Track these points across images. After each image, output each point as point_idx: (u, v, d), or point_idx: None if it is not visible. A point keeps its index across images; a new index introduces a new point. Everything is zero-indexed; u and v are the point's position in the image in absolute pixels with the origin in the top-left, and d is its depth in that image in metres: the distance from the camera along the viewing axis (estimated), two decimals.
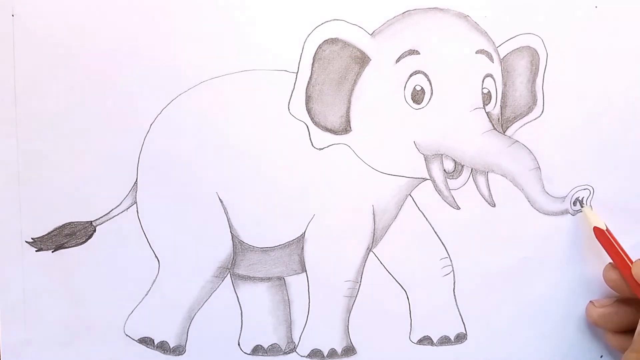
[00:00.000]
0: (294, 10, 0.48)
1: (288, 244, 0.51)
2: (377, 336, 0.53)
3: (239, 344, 0.52)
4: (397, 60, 0.49)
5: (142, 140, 0.49)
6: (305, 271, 0.52)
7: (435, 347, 0.53)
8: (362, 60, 0.49)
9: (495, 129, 0.50)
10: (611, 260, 0.51)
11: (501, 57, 0.50)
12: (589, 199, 0.52)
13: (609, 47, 0.51)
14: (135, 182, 0.50)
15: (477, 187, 0.51)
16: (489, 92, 0.50)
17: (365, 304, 0.52)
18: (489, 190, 0.51)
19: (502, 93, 0.51)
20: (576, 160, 0.52)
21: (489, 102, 0.50)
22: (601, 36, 0.51)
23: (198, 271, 0.51)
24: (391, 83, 0.49)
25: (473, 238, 0.52)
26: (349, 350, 0.53)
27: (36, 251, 0.50)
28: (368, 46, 0.49)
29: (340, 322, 0.52)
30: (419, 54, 0.49)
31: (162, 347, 0.52)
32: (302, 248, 0.51)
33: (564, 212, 0.52)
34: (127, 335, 0.51)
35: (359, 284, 0.52)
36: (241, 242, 0.51)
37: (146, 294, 0.51)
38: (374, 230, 0.51)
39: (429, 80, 0.49)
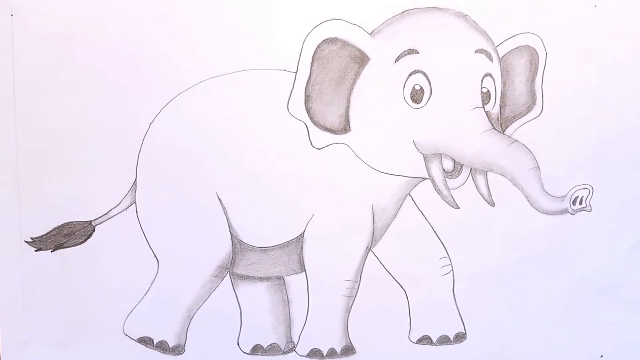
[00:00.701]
0: (293, 10, 0.48)
1: (287, 244, 0.51)
2: (376, 336, 0.53)
3: (238, 344, 0.52)
4: (396, 60, 0.49)
5: (141, 140, 0.49)
6: (305, 271, 0.52)
7: (434, 346, 0.53)
8: (362, 59, 0.49)
9: (494, 128, 0.50)
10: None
11: (500, 57, 0.50)
12: (589, 198, 0.52)
13: (609, 46, 0.51)
14: (135, 182, 0.50)
15: (476, 186, 0.51)
16: (488, 91, 0.50)
17: (364, 303, 0.52)
18: (489, 189, 0.51)
19: (502, 92, 0.51)
20: (576, 160, 0.52)
21: (488, 102, 0.50)
22: (601, 35, 0.51)
23: (197, 271, 0.51)
24: (390, 82, 0.49)
25: (472, 237, 0.52)
26: (349, 349, 0.53)
27: (35, 251, 0.50)
28: (367, 46, 0.49)
29: (340, 321, 0.52)
30: (418, 53, 0.49)
31: (161, 346, 0.52)
32: (302, 248, 0.51)
33: (564, 212, 0.52)
34: (126, 334, 0.51)
35: (358, 284, 0.52)
36: (240, 242, 0.51)
37: (145, 294, 0.51)
38: (373, 229, 0.51)
39: (428, 79, 0.49)
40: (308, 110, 0.49)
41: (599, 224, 0.53)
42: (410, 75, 0.49)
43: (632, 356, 0.55)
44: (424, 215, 0.51)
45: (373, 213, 0.51)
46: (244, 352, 0.52)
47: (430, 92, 0.49)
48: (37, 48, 0.48)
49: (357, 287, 0.52)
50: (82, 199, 0.49)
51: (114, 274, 0.50)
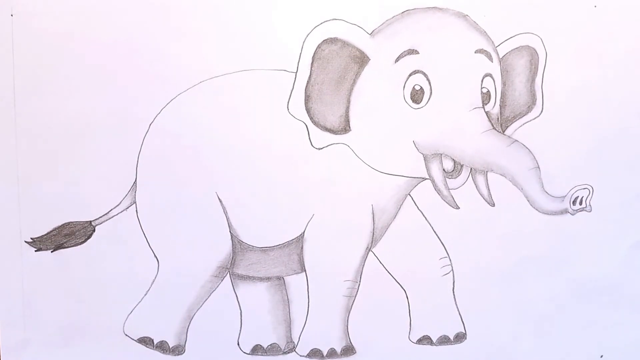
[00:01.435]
0: (293, 10, 0.48)
1: (287, 244, 0.51)
2: (376, 336, 0.53)
3: (238, 344, 0.52)
4: (397, 60, 0.49)
5: (141, 140, 0.49)
6: (305, 271, 0.52)
7: (434, 346, 0.53)
8: (362, 59, 0.49)
9: (494, 128, 0.50)
10: None
11: (500, 57, 0.50)
12: (589, 198, 0.52)
13: (609, 46, 0.51)
14: (135, 182, 0.50)
15: (476, 186, 0.51)
16: (488, 91, 0.50)
17: (364, 303, 0.52)
18: (489, 189, 0.51)
19: (502, 92, 0.51)
20: (576, 160, 0.52)
21: (488, 102, 0.50)
22: (601, 35, 0.51)
23: (197, 271, 0.51)
24: (390, 83, 0.49)
25: (472, 237, 0.52)
26: (349, 349, 0.53)
27: (35, 251, 0.50)
28: (367, 46, 0.49)
29: (340, 321, 0.52)
30: (418, 53, 0.49)
31: (162, 346, 0.52)
32: (302, 248, 0.51)
33: (564, 212, 0.52)
34: (126, 335, 0.51)
35: (358, 284, 0.52)
36: (240, 242, 0.51)
37: (145, 294, 0.51)
38: (374, 229, 0.51)
39: (428, 79, 0.49)
40: (308, 111, 0.49)
41: (599, 224, 0.53)
42: (410, 75, 0.49)
43: (632, 356, 0.55)
44: (424, 215, 0.51)
45: (373, 213, 0.51)
46: (244, 352, 0.52)
47: (430, 92, 0.49)
48: (37, 48, 0.48)
49: (357, 287, 0.52)
50: (82, 199, 0.50)
51: (114, 274, 0.50)
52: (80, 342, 0.51)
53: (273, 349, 0.52)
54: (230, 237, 0.51)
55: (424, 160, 0.50)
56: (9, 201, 0.49)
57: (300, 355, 0.53)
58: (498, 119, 0.51)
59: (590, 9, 0.51)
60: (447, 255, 0.52)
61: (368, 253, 0.52)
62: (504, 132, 0.51)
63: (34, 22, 0.48)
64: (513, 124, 0.51)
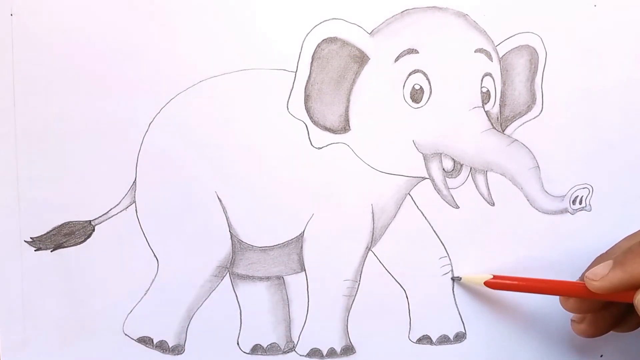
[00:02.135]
0: (292, 9, 0.48)
1: (287, 243, 0.51)
2: (376, 335, 0.53)
3: (238, 343, 0.52)
4: (396, 60, 0.49)
5: (141, 140, 0.49)
6: (305, 270, 0.52)
7: (434, 346, 0.53)
8: (361, 59, 0.49)
9: (494, 127, 0.50)
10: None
11: (500, 56, 0.50)
12: (588, 198, 0.52)
13: (608, 45, 0.51)
14: (134, 182, 0.50)
15: (476, 186, 0.51)
16: (487, 91, 0.50)
17: (364, 303, 0.52)
18: (488, 189, 0.51)
19: (501, 92, 0.51)
20: (575, 159, 0.52)
21: (488, 101, 0.50)
22: (600, 35, 0.51)
23: (197, 270, 0.51)
24: (390, 82, 0.49)
25: (472, 237, 0.52)
26: (348, 349, 0.52)
27: (35, 250, 0.50)
28: (367, 45, 0.49)
29: (340, 321, 0.52)
30: (417, 53, 0.49)
31: (161, 346, 0.52)
32: (301, 247, 0.51)
33: (563, 211, 0.52)
34: (126, 334, 0.51)
35: (358, 283, 0.52)
36: (240, 242, 0.51)
37: (145, 293, 0.51)
38: (373, 229, 0.51)
39: (427, 79, 0.49)
40: (308, 110, 0.49)
41: (599, 224, 0.53)
42: (410, 74, 0.49)
43: (632, 356, 0.55)
44: (423, 215, 0.51)
45: (373, 213, 0.51)
46: (244, 352, 0.52)
47: (430, 92, 0.49)
48: (36, 48, 0.48)
49: (356, 286, 0.52)
50: (81, 198, 0.49)
51: (114, 274, 0.50)
52: (79, 341, 0.51)
53: (273, 348, 0.52)
54: (230, 236, 0.51)
55: (424, 159, 0.50)
56: (9, 200, 0.49)
57: (300, 355, 0.52)
58: (498, 118, 0.51)
59: (590, 8, 0.51)
60: (446, 255, 0.52)
61: (368, 253, 0.52)
62: (503, 131, 0.51)
63: (34, 22, 0.48)
64: (513, 124, 0.51)
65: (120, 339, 0.51)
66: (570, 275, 0.53)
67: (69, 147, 0.49)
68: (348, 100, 0.49)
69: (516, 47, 0.50)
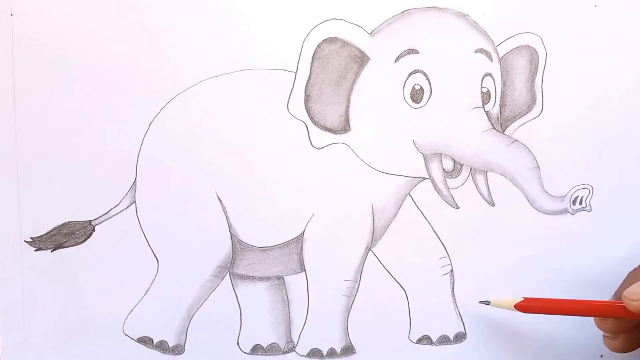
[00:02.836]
0: (292, 10, 0.48)
1: (287, 244, 0.51)
2: (376, 335, 0.53)
3: (238, 344, 0.52)
4: (396, 60, 0.49)
5: (141, 140, 0.49)
6: (305, 270, 0.52)
7: (434, 346, 0.53)
8: (361, 59, 0.49)
9: (494, 128, 0.50)
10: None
11: (500, 56, 0.50)
12: (588, 198, 0.52)
13: (608, 46, 0.51)
14: (135, 182, 0.50)
15: (476, 186, 0.51)
16: (488, 91, 0.50)
17: (364, 303, 0.52)
18: (488, 189, 0.51)
19: (501, 92, 0.51)
20: (575, 160, 0.52)
21: (488, 101, 0.50)
22: (600, 35, 0.51)
23: (197, 270, 0.51)
24: (390, 82, 0.49)
25: (472, 237, 0.52)
26: (348, 349, 0.53)
27: (35, 251, 0.50)
28: (367, 45, 0.49)
29: (340, 321, 0.52)
30: (418, 53, 0.49)
31: (161, 346, 0.52)
32: (301, 247, 0.51)
33: (564, 212, 0.52)
34: (126, 334, 0.51)
35: (358, 284, 0.52)
36: (240, 242, 0.51)
37: (145, 294, 0.51)
38: (373, 229, 0.51)
39: (428, 79, 0.49)
40: (308, 110, 0.49)
41: (599, 224, 0.53)
42: (410, 75, 0.49)
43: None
44: (423, 215, 0.51)
45: (373, 213, 0.51)
46: (244, 352, 0.52)
47: (430, 92, 0.49)
48: (36, 48, 0.48)
49: (357, 286, 0.52)
50: (81, 198, 0.49)
51: (114, 274, 0.50)
52: (79, 341, 0.51)
53: (273, 348, 0.52)
54: (230, 236, 0.51)
55: (424, 159, 0.50)
56: (9, 201, 0.49)
57: (300, 355, 0.52)
58: (498, 118, 0.51)
59: (590, 9, 0.51)
60: (447, 255, 0.52)
61: (368, 253, 0.52)
62: (503, 131, 0.51)
63: (34, 22, 0.48)
64: (513, 124, 0.51)
65: (120, 339, 0.51)
66: (569, 275, 0.53)
67: (69, 147, 0.49)
68: (348, 101, 0.49)
69: (516, 48, 0.50)
